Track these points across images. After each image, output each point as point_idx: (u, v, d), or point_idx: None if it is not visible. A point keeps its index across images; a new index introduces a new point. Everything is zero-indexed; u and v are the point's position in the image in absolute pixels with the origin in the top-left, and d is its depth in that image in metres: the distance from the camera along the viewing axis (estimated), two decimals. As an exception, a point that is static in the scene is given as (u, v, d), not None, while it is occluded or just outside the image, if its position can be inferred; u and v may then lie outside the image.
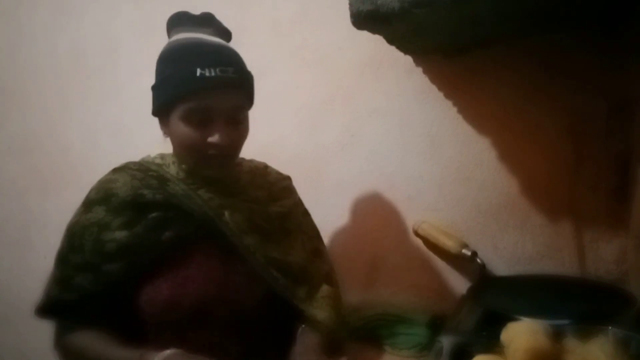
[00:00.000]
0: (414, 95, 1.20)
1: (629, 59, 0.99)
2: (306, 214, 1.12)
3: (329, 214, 1.31)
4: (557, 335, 0.71)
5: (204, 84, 0.85)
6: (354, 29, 0.96)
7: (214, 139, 0.87)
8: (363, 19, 0.91)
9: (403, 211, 1.23)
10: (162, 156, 0.99)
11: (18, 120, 1.77)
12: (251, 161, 1.09)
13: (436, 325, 1.09)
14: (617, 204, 1.04)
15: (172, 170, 0.95)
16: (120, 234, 0.88)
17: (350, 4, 0.92)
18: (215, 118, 0.87)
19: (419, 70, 1.19)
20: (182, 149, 0.91)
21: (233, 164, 0.97)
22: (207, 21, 0.94)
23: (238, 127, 0.91)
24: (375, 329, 1.16)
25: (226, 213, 0.93)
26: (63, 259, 0.91)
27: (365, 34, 1.00)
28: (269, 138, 1.35)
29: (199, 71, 0.85)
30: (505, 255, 1.13)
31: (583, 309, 0.87)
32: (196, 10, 0.95)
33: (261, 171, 1.08)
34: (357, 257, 1.29)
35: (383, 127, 1.25)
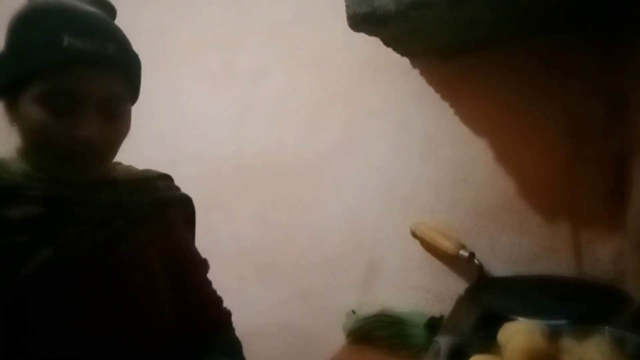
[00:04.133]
0: (411, 97, 1.21)
1: (628, 59, 0.99)
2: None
3: (326, 215, 1.32)
4: (553, 335, 0.71)
5: (73, 56, 0.64)
6: (350, 31, 0.96)
7: (82, 132, 0.65)
8: (360, 21, 0.92)
9: (401, 212, 1.23)
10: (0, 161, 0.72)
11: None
12: (129, 168, 0.86)
13: (434, 325, 1.09)
14: (614, 205, 1.04)
15: (14, 178, 0.69)
16: None
17: (347, 6, 0.92)
18: (85, 106, 0.66)
19: (416, 72, 1.20)
20: (34, 143, 0.68)
21: (100, 169, 0.74)
22: None
23: (114, 123, 0.70)
24: (373, 329, 1.16)
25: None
26: None
27: (362, 36, 1.00)
28: (268, 140, 1.35)
29: (66, 40, 0.63)
30: (502, 256, 1.14)
31: (580, 309, 0.87)
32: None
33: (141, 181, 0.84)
34: (355, 258, 1.29)
35: (381, 128, 1.25)
